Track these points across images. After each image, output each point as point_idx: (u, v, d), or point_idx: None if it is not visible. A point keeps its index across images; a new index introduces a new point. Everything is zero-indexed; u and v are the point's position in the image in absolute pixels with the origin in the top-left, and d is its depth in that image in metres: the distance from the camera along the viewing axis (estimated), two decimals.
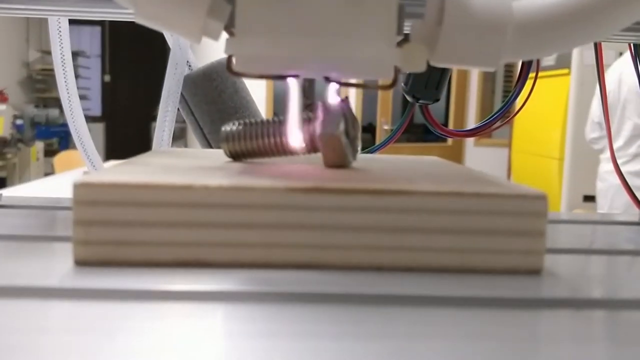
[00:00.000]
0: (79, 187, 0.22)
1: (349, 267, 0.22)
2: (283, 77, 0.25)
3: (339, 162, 0.28)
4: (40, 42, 5.05)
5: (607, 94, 1.85)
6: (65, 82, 0.49)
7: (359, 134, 0.29)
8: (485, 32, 0.23)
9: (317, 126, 0.28)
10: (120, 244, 0.22)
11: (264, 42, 0.23)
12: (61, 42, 0.48)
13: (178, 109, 0.51)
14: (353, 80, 0.27)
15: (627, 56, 1.87)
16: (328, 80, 0.25)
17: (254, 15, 0.23)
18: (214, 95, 0.51)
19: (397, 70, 0.24)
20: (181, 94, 0.51)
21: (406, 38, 0.25)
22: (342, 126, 0.27)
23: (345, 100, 0.29)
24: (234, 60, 0.24)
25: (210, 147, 0.52)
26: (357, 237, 0.22)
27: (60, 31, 0.47)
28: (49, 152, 4.28)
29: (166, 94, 0.49)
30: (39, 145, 4.29)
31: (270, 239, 0.22)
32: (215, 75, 0.52)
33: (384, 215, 0.22)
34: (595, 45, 0.47)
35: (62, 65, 0.48)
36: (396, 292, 0.20)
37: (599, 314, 0.20)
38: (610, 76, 1.82)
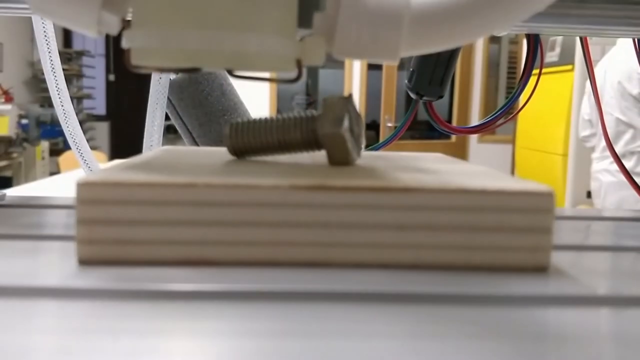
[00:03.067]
0: (82, 186, 0.22)
1: (354, 265, 0.22)
2: (183, 70, 0.25)
3: (343, 160, 0.28)
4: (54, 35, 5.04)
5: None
6: (57, 84, 0.49)
7: (364, 131, 0.29)
8: (382, 24, 0.23)
9: (321, 124, 0.28)
10: (124, 243, 0.22)
11: (160, 34, 0.23)
12: (49, 45, 0.48)
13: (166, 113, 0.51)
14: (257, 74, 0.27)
15: (611, 52, 1.87)
16: (230, 73, 0.25)
17: (150, 7, 0.23)
18: (200, 99, 0.51)
19: (300, 64, 0.24)
20: (168, 98, 0.51)
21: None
22: (346, 123, 0.27)
23: (349, 97, 0.28)
24: (131, 53, 0.23)
25: None
26: (362, 235, 0.22)
27: (45, 33, 0.47)
28: (54, 152, 4.29)
29: (153, 100, 0.49)
30: (44, 145, 4.30)
31: (274, 237, 0.22)
32: (202, 78, 0.51)
33: (389, 212, 0.22)
34: (581, 40, 0.47)
35: (52, 69, 0.48)
36: (402, 290, 0.20)
37: (606, 312, 0.20)
38: (597, 73, 1.82)
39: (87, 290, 0.19)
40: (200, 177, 0.23)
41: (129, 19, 0.24)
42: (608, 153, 1.80)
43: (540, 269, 0.23)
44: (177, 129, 0.54)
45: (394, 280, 0.21)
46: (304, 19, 0.25)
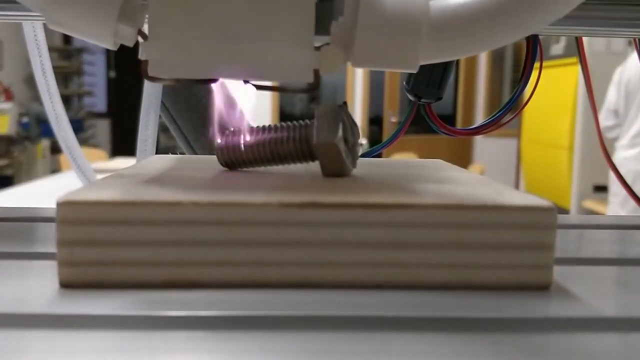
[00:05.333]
0: (62, 205, 0.21)
1: (347, 285, 0.21)
2: (200, 82, 0.25)
3: (337, 171, 0.27)
4: (45, 40, 5.04)
5: (627, 81, 1.85)
6: (48, 90, 0.48)
7: (359, 141, 0.28)
8: (400, 32, 0.23)
9: (314, 133, 0.27)
10: (108, 265, 0.21)
11: (177, 46, 0.23)
12: (39, 50, 0.47)
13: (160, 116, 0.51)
14: (272, 83, 0.27)
15: None
16: (247, 83, 0.25)
17: (167, 19, 0.23)
18: (195, 102, 0.50)
19: (317, 74, 0.24)
20: (162, 102, 0.50)
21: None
22: (340, 133, 0.26)
23: (343, 105, 0.27)
24: (148, 65, 0.23)
25: (196, 154, 0.51)
26: (356, 254, 0.21)
27: (36, 37, 0.46)
28: (55, 150, 4.28)
29: (147, 103, 0.48)
30: (45, 143, 4.30)
31: (264, 257, 0.21)
32: None
33: (384, 230, 0.21)
34: (576, 39, 0.46)
35: (43, 74, 0.47)
36: (397, 314, 0.19)
37: (613, 337, 0.19)
38: (631, 63, 1.81)
39: (68, 317, 0.18)
40: (187, 195, 0.22)
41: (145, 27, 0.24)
42: (637, 140, 1.79)
43: (542, 287, 0.22)
44: (172, 132, 0.53)
45: (389, 302, 0.20)
46: (322, 26, 0.24)
